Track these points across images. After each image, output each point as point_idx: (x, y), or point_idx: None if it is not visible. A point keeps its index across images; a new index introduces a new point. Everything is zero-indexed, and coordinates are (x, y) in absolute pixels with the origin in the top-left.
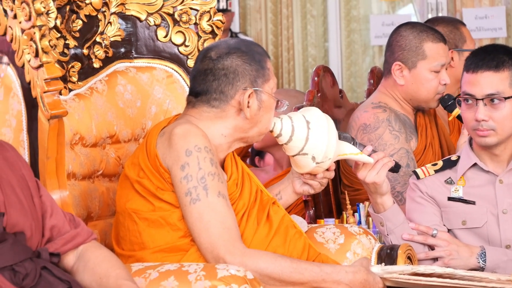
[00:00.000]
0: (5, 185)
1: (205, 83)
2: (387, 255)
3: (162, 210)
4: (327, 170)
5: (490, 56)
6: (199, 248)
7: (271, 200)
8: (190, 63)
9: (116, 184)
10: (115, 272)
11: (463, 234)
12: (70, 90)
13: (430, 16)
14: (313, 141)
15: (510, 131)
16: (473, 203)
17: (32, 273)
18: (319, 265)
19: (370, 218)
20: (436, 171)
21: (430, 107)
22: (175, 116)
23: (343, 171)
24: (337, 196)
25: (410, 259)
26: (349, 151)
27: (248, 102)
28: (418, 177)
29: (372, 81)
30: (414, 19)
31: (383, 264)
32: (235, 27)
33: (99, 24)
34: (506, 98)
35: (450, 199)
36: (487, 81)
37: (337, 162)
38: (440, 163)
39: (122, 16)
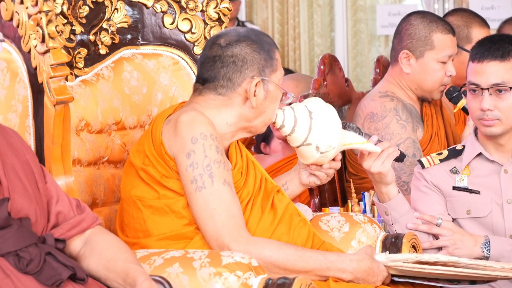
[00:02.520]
0: (9, 170)
1: (213, 69)
2: (392, 244)
3: (166, 197)
4: (333, 160)
5: (496, 46)
6: (204, 236)
7: (276, 188)
8: (197, 50)
9: (121, 171)
10: (123, 256)
11: (468, 224)
12: (76, 76)
13: (436, 7)
14: (316, 130)
15: None
16: (478, 192)
17: (36, 258)
18: (323, 253)
19: (375, 207)
20: (441, 160)
21: (434, 98)
22: (180, 103)
23: (348, 159)
24: (342, 184)
25: (415, 248)
26: (354, 140)
27: (255, 91)
28: (423, 166)
29: (378, 70)
30: (420, 9)
31: (388, 252)
32: (241, 15)
33: (106, 10)
34: (511, 88)
35: (455, 188)
36: (493, 71)
37: (343, 151)
38: (445, 153)
39: (129, 2)
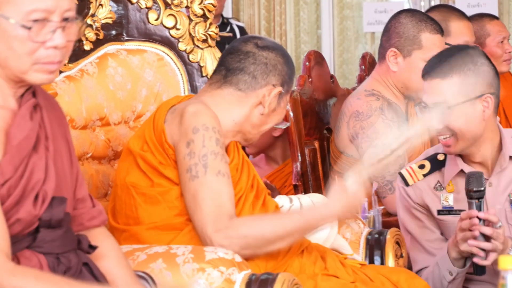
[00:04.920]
0: (57, 159)
1: (243, 62)
2: (376, 240)
3: (160, 186)
4: None
5: (440, 62)
6: (194, 226)
7: (266, 190)
8: (181, 46)
9: (105, 167)
10: (122, 272)
11: None
12: (61, 72)
13: (422, 4)
14: (314, 237)
15: (473, 133)
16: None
17: (74, 267)
18: (298, 212)
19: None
20: (425, 175)
21: (420, 97)
22: (187, 96)
23: (333, 156)
24: (326, 181)
25: (398, 244)
26: (342, 249)
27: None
28: (406, 183)
29: (363, 67)
30: (406, 6)
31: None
32: (228, 12)
33: (90, 6)
34: (449, 107)
35: (440, 212)
36: (435, 89)
37: (327, 147)
38: (427, 166)
39: None
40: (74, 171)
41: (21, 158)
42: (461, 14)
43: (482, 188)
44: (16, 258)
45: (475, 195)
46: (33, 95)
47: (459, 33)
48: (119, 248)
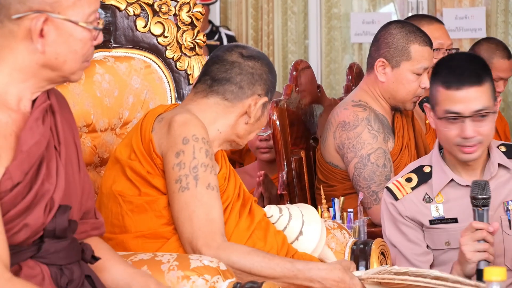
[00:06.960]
0: (68, 165)
1: (229, 73)
2: (361, 250)
3: (148, 195)
4: None
5: (468, 71)
6: (180, 237)
7: (253, 198)
8: (169, 54)
9: (92, 173)
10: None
11: (447, 255)
12: None
13: (410, 15)
14: (301, 248)
15: (492, 134)
16: (455, 220)
17: (76, 280)
18: (292, 261)
19: (345, 213)
20: (413, 189)
21: (406, 109)
22: (172, 105)
23: (319, 166)
24: (312, 191)
25: (383, 255)
26: (328, 260)
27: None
28: (395, 198)
29: (350, 77)
30: (394, 17)
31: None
32: (216, 21)
33: None
34: (492, 112)
35: (432, 222)
36: (474, 97)
37: (313, 157)
38: (414, 179)
39: (102, 5)
40: (81, 177)
41: (31, 163)
42: (431, 18)
43: (486, 196)
44: (18, 267)
45: (479, 202)
46: (47, 96)
47: (432, 37)
48: (116, 253)
